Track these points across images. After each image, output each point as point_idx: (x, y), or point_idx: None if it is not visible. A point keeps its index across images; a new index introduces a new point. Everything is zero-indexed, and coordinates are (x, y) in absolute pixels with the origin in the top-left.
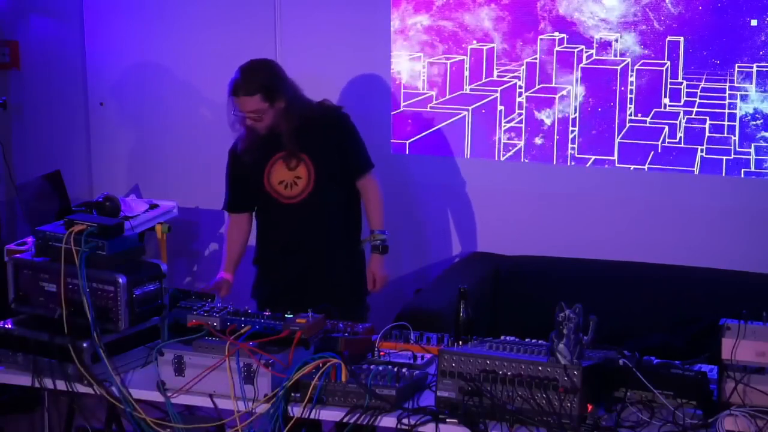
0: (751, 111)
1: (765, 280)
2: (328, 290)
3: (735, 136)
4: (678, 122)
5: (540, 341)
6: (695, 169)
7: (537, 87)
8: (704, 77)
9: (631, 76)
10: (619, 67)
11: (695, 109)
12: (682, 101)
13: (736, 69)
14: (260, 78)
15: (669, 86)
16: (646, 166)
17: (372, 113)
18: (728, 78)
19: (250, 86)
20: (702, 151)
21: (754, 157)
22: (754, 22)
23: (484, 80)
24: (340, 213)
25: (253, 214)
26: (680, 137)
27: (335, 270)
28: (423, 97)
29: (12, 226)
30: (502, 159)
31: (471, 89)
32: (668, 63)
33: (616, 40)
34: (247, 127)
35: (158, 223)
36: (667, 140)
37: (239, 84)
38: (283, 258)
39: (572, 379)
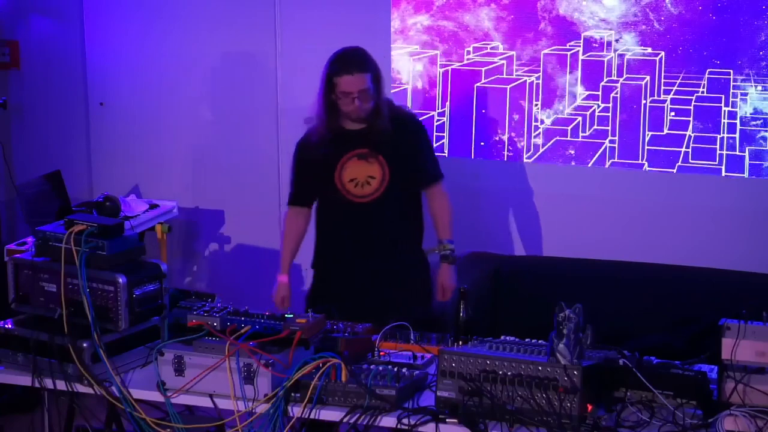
0: (751, 111)
1: (765, 280)
2: (394, 294)
3: (735, 135)
4: (678, 122)
5: (540, 341)
6: (696, 169)
7: (537, 87)
8: (704, 77)
9: (631, 76)
10: (618, 68)
11: (695, 109)
12: (677, 101)
13: (736, 69)
14: (371, 60)
15: (669, 86)
16: (646, 167)
17: None
18: (728, 78)
19: (364, 64)
20: (702, 151)
21: (754, 156)
22: (754, 23)
23: (483, 80)
24: (407, 216)
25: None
26: (680, 137)
27: (402, 273)
28: (423, 97)
29: (12, 226)
30: (502, 159)
31: (471, 89)
32: (668, 63)
33: (617, 40)
34: (316, 125)
35: (158, 223)
36: (667, 140)
37: (354, 61)
38: (350, 257)
39: (572, 379)
